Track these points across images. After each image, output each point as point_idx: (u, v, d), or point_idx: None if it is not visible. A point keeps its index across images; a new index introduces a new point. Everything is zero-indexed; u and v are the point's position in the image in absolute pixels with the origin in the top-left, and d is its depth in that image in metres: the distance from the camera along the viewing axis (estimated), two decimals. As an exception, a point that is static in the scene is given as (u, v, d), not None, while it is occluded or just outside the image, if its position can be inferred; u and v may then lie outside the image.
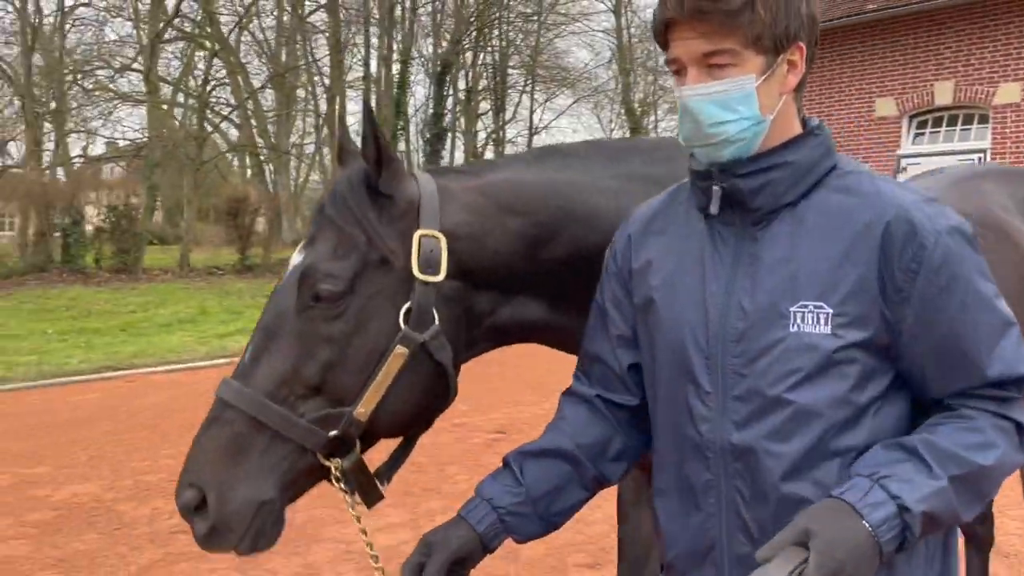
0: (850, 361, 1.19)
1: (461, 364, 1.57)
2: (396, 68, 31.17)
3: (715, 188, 1.26)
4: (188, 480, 1.39)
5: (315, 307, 1.43)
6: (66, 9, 27.03)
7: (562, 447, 1.41)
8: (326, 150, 36.21)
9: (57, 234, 19.53)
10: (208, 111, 27.67)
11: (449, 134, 32.97)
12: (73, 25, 27.67)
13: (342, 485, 1.44)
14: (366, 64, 32.19)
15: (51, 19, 27.41)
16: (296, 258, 1.49)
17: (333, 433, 1.41)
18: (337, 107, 30.18)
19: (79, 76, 26.53)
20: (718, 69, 1.20)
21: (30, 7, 25.62)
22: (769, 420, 1.22)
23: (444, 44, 31.35)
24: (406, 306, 1.44)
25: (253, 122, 32.50)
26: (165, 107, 27.71)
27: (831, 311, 1.19)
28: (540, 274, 1.60)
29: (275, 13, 31.58)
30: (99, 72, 27.09)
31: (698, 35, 1.20)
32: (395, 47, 30.50)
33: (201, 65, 29.99)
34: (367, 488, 1.49)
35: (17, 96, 25.24)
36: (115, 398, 7.86)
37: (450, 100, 32.49)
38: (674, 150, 1.65)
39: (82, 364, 9.55)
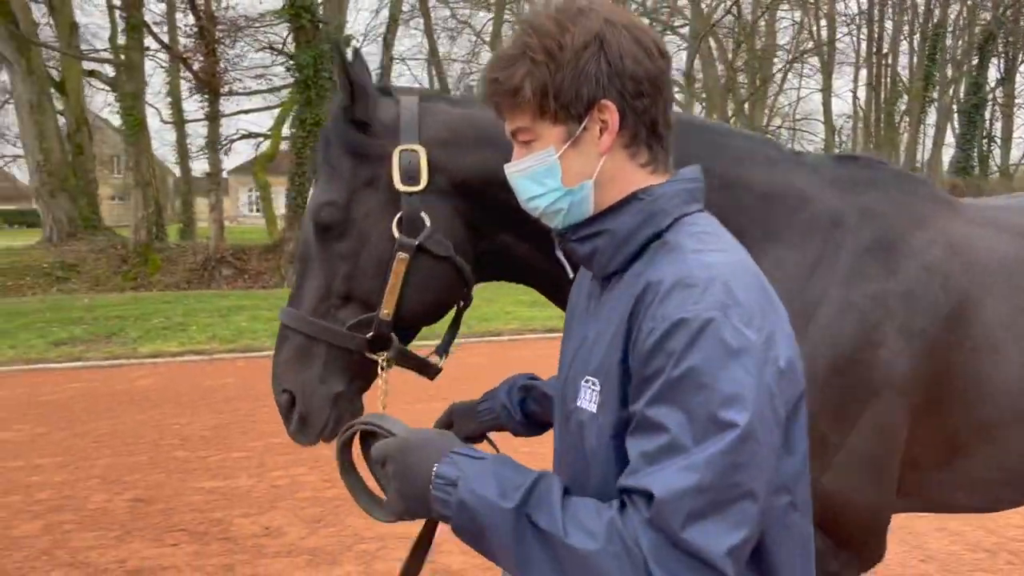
0: (619, 452, 1.09)
1: (474, 277, 1.72)
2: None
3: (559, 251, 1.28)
4: (280, 387, 1.67)
5: (325, 233, 1.64)
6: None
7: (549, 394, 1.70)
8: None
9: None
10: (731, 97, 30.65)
11: (988, 104, 32.42)
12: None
13: (384, 375, 1.66)
14: (868, 40, 32.32)
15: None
16: (309, 196, 1.70)
17: (369, 335, 1.62)
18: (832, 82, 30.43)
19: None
20: (528, 145, 1.20)
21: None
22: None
23: (986, 14, 30.62)
24: (396, 216, 1.60)
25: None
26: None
27: (598, 388, 1.14)
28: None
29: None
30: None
31: (506, 115, 1.22)
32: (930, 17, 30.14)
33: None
34: (421, 367, 1.73)
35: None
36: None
37: (992, 70, 31.81)
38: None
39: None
